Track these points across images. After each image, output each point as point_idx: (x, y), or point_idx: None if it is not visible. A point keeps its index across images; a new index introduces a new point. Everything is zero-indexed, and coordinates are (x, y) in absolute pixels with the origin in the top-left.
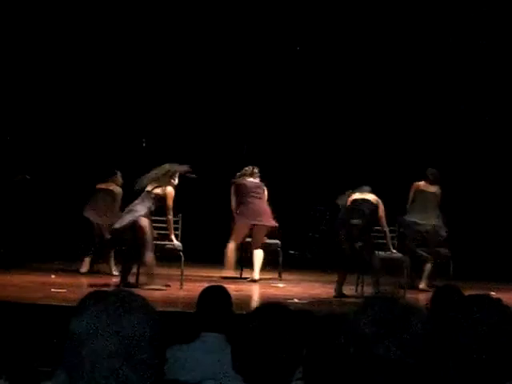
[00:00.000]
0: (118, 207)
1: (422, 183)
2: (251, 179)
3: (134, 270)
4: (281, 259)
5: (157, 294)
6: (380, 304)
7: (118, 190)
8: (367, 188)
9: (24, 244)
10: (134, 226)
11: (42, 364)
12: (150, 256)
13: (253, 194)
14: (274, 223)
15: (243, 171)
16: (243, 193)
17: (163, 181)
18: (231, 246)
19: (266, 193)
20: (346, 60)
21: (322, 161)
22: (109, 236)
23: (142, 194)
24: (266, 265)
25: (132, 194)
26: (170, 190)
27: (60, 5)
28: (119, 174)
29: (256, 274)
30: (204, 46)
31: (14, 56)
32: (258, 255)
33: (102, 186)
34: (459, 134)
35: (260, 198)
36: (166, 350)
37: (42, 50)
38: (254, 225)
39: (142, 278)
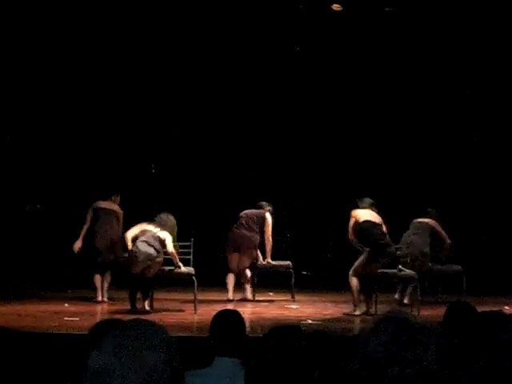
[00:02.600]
0: (121, 228)
1: None
2: (253, 210)
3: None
4: (293, 280)
5: (171, 318)
6: (392, 325)
7: (120, 210)
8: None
9: (36, 273)
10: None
11: None
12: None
13: (242, 223)
14: (250, 254)
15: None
16: (236, 221)
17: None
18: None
19: (265, 222)
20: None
21: (331, 180)
22: (111, 257)
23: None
24: (279, 286)
25: (133, 218)
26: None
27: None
28: (119, 195)
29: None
30: (212, 68)
31: (22, 78)
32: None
33: (104, 205)
34: (467, 147)
35: (246, 228)
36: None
37: (52, 74)
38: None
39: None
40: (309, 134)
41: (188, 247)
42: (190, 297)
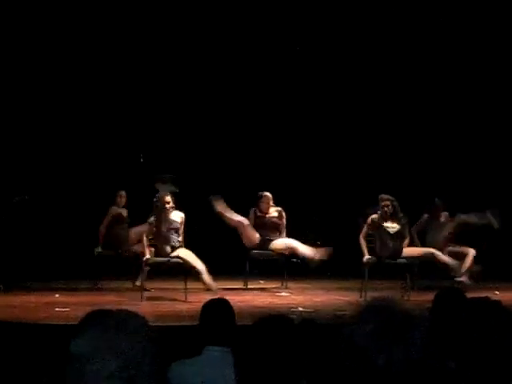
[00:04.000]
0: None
1: None
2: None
3: None
4: (285, 268)
5: (162, 307)
6: (377, 314)
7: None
8: None
9: (26, 264)
10: None
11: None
12: None
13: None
14: None
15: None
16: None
17: None
18: None
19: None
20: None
21: (322, 169)
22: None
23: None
24: (271, 273)
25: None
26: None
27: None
28: (119, 194)
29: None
30: (202, 60)
31: (13, 74)
32: None
33: (119, 211)
34: (459, 132)
35: None
36: (166, 371)
37: (39, 69)
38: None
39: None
40: (296, 119)
41: None
42: (181, 286)
